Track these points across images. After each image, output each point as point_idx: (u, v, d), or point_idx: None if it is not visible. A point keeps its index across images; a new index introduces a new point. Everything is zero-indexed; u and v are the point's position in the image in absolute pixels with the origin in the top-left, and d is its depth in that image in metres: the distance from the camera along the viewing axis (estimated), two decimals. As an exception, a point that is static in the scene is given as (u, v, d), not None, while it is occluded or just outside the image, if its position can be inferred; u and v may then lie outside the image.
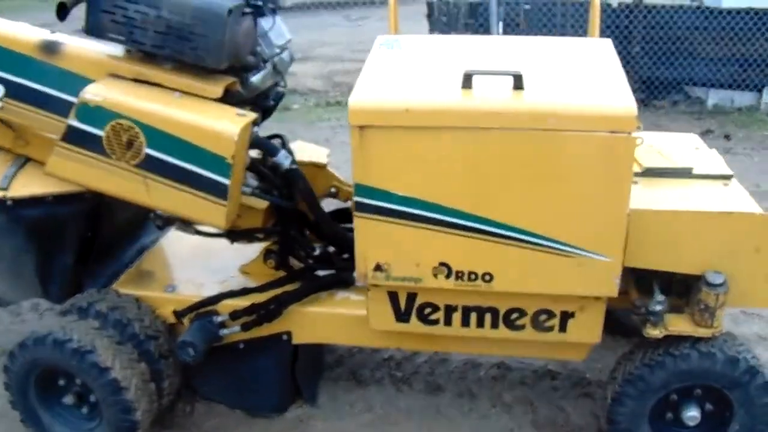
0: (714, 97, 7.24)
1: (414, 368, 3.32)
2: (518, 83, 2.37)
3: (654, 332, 2.54)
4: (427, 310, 2.67)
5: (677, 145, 3.02)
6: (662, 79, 7.28)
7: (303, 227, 2.89)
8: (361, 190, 2.45)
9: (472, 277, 2.52)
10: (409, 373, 3.30)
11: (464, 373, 3.28)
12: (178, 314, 2.82)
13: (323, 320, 2.83)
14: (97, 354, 2.53)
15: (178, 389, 2.93)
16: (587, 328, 2.64)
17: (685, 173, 2.74)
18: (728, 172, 2.74)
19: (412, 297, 2.65)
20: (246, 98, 2.71)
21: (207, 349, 2.73)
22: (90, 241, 2.85)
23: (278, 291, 2.82)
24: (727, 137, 6.35)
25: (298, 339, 2.88)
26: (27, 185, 2.68)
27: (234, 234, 2.87)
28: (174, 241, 3.25)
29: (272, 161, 2.69)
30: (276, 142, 2.79)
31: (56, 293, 2.85)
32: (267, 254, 2.94)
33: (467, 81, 2.39)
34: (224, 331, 2.79)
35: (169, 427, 2.93)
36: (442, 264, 2.52)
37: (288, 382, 3.01)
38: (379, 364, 3.33)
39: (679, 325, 2.56)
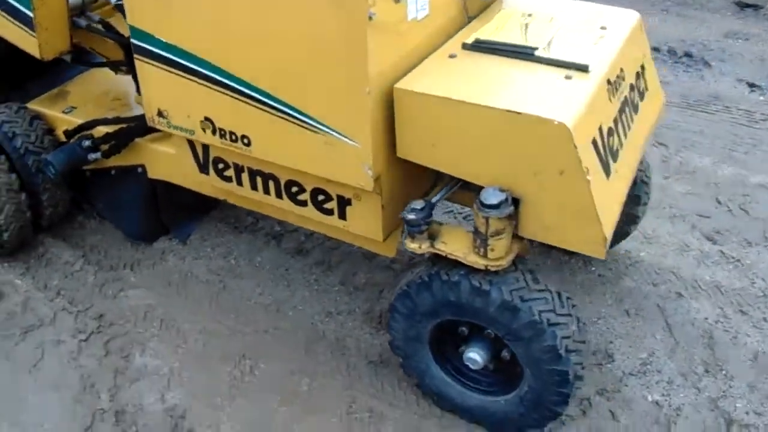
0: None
1: (295, 228, 3.13)
2: None
3: (411, 245, 2.04)
4: (221, 165, 2.43)
5: (576, 20, 2.26)
6: None
7: None
8: (135, 32, 2.25)
9: (233, 137, 2.22)
10: (290, 230, 3.13)
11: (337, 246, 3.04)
12: (67, 134, 2.96)
13: (165, 158, 2.72)
14: None
15: (71, 204, 3.12)
16: (366, 221, 2.22)
17: (522, 54, 2.02)
18: (586, 62, 1.96)
19: (206, 149, 2.45)
20: None
21: (70, 170, 2.83)
22: (16, 59, 3.04)
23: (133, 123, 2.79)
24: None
25: (151, 174, 2.83)
26: None
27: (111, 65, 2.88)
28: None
29: None
30: None
31: None
32: None
33: None
34: (92, 156, 2.87)
35: (58, 237, 3.15)
36: (207, 119, 2.25)
37: (149, 215, 3.03)
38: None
39: (451, 244, 2.02)
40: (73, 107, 3.04)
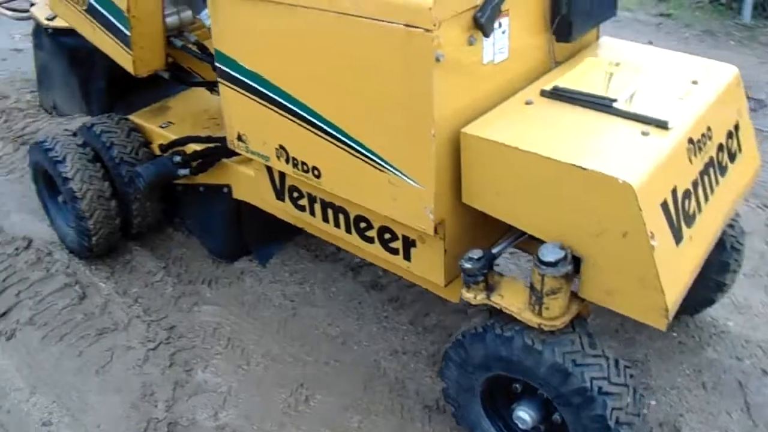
0: None
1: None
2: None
3: (467, 295, 1.99)
4: (295, 194, 2.48)
5: (666, 72, 2.16)
6: None
7: None
8: (219, 56, 2.35)
9: (305, 168, 2.25)
10: (369, 264, 3.06)
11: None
12: (161, 148, 3.11)
13: (247, 181, 2.79)
14: (64, 165, 2.96)
15: (161, 215, 3.27)
16: (429, 265, 2.18)
17: (600, 105, 1.93)
18: (666, 119, 1.84)
19: (282, 176, 2.50)
20: None
21: (158, 183, 2.97)
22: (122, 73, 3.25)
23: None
24: None
25: (235, 194, 2.92)
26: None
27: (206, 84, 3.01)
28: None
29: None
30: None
31: (96, 111, 3.36)
32: None
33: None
34: (181, 171, 3.00)
35: (146, 246, 3.30)
36: (281, 147, 2.30)
37: (232, 234, 3.11)
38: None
39: (507, 298, 1.95)
40: (170, 122, 3.19)
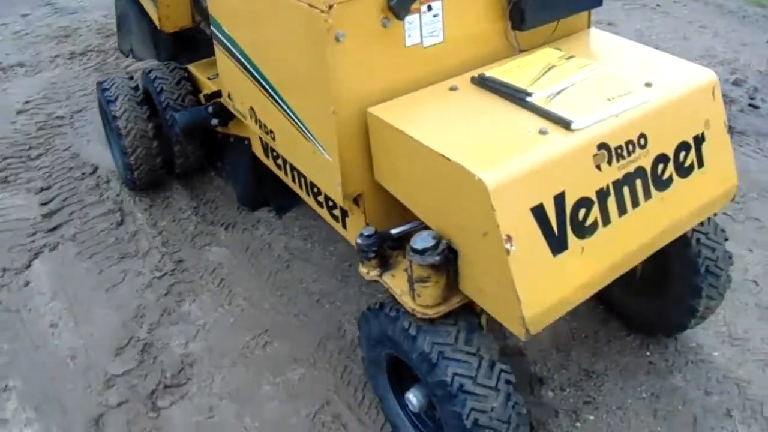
0: None
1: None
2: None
3: (362, 269, 2.03)
4: (273, 153, 2.61)
5: (621, 71, 2.01)
6: None
7: None
8: (212, 19, 2.53)
9: (266, 130, 2.37)
10: None
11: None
12: (206, 98, 3.35)
13: (254, 136, 2.95)
14: (115, 104, 3.30)
15: (204, 159, 3.55)
16: (354, 237, 2.21)
17: (516, 98, 1.84)
18: (571, 119, 1.72)
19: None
20: None
21: (192, 129, 3.20)
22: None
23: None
24: None
25: (253, 147, 3.10)
26: None
27: None
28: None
29: None
30: None
31: (163, 57, 3.67)
32: None
33: None
34: (213, 121, 3.21)
35: (186, 186, 3.60)
36: (252, 108, 2.43)
37: (252, 185, 3.30)
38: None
39: (397, 279, 1.96)
40: (218, 75, 3.42)
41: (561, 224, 1.71)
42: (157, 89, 3.32)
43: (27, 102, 4.42)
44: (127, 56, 3.87)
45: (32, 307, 2.95)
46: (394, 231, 2.01)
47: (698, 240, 2.26)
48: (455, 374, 1.82)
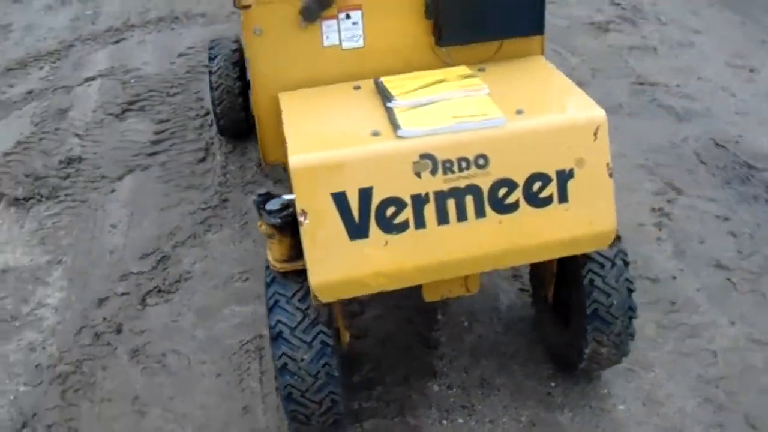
0: None
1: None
2: None
3: (259, 222, 2.35)
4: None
5: (497, 97, 2.11)
6: None
7: None
8: None
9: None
10: None
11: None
12: None
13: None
14: (213, 61, 3.88)
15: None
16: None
17: (384, 101, 2.14)
18: (401, 126, 1.96)
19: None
20: None
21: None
22: None
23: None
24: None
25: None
26: None
27: None
28: None
29: None
30: None
31: None
32: None
33: None
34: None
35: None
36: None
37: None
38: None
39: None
40: None
41: (364, 215, 1.94)
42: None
43: (190, 48, 5.26)
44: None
45: (107, 209, 3.72)
46: (286, 196, 2.35)
47: (591, 281, 2.27)
48: (278, 321, 2.13)
